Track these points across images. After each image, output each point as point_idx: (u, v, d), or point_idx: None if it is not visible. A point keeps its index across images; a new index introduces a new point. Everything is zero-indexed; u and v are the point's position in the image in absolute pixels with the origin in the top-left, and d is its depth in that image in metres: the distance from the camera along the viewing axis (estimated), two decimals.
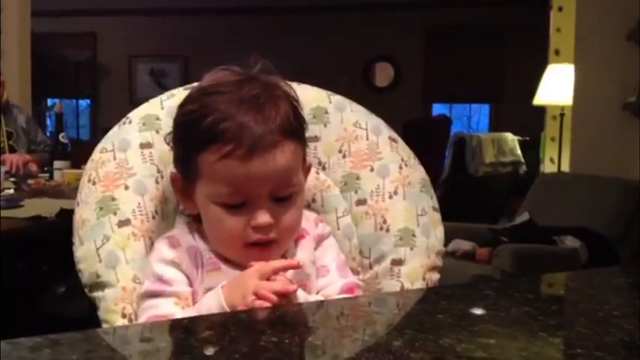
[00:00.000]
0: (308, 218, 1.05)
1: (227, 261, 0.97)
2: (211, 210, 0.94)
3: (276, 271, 0.89)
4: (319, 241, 1.04)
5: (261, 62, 0.97)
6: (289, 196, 0.95)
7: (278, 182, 0.93)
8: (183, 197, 1.00)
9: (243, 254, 0.95)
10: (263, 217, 0.92)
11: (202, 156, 0.92)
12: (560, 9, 4.63)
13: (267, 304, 0.84)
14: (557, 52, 4.64)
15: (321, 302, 0.93)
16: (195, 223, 1.01)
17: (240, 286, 0.88)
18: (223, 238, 0.95)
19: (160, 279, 0.94)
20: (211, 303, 0.89)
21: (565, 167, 4.29)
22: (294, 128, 0.95)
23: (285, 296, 0.86)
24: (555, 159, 4.44)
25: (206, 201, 0.95)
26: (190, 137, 0.94)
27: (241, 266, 0.95)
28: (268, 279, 0.88)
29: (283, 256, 0.99)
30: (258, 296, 0.85)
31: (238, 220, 0.93)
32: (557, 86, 4.25)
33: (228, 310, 0.86)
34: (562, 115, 4.31)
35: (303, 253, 1.01)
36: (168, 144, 1.03)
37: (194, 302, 0.93)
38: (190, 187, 0.97)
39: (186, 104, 0.96)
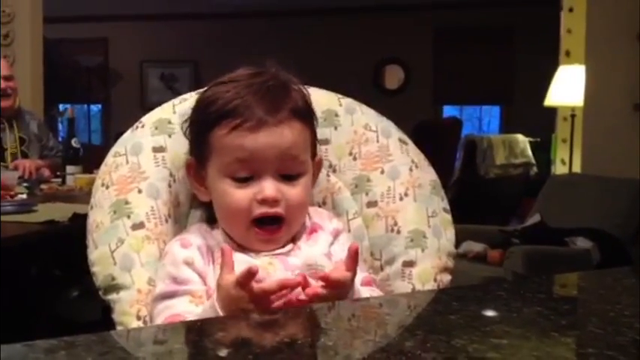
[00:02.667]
0: (321, 214, 1.07)
1: (238, 252, 0.98)
2: (220, 186, 0.98)
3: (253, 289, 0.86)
4: (335, 235, 1.05)
5: (277, 66, 1.02)
6: (296, 175, 0.98)
7: (285, 156, 0.97)
8: (197, 183, 1.04)
9: (249, 234, 0.97)
10: (270, 189, 0.96)
11: (214, 132, 0.97)
12: (570, 10, 4.61)
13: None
14: (567, 54, 4.63)
15: (333, 303, 0.94)
16: (206, 224, 1.04)
17: (233, 301, 0.87)
18: (230, 213, 0.98)
19: (174, 280, 0.95)
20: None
21: (576, 168, 4.27)
22: (303, 112, 1.00)
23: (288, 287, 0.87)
24: (566, 160, 4.42)
25: (216, 177, 0.99)
26: (204, 117, 0.99)
27: (250, 252, 0.97)
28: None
29: (294, 244, 1.00)
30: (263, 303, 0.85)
31: (245, 194, 0.97)
32: (568, 87, 4.23)
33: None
34: (573, 116, 4.29)
35: (316, 246, 1.02)
36: (184, 133, 1.07)
37: (209, 299, 0.94)
38: (203, 170, 1.01)
39: (202, 93, 1.03)
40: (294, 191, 0.98)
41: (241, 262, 0.95)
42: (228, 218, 1.00)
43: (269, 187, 0.96)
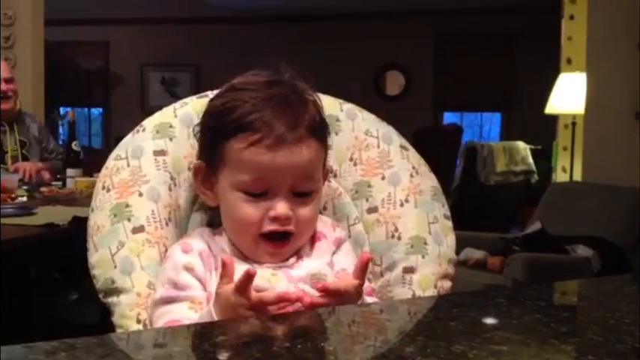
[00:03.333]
0: (325, 222, 1.07)
1: (240, 260, 0.98)
2: (232, 198, 0.97)
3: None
4: (338, 244, 1.05)
5: (290, 71, 1.02)
6: (309, 193, 0.98)
7: (301, 175, 0.96)
8: (204, 188, 1.03)
9: (257, 247, 0.97)
10: (283, 208, 0.95)
11: (230, 143, 0.96)
12: (571, 17, 4.62)
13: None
14: (568, 61, 4.63)
15: (333, 309, 0.94)
16: (209, 229, 1.03)
17: (232, 307, 0.87)
18: (239, 225, 0.98)
19: (175, 285, 0.95)
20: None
21: (577, 176, 4.27)
22: (320, 129, 1.00)
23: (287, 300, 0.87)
24: (567, 168, 4.42)
25: (228, 189, 0.98)
26: (220, 125, 0.98)
27: (254, 263, 0.97)
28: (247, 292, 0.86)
29: (298, 257, 1.00)
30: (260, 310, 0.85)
31: (257, 209, 0.96)
32: (569, 95, 4.24)
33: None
34: (574, 123, 4.30)
35: (319, 255, 1.02)
36: (195, 135, 1.06)
37: (208, 305, 0.94)
38: (213, 177, 1.00)
39: (217, 98, 1.02)
40: (306, 209, 0.98)
41: (243, 271, 0.95)
42: (237, 230, 0.99)
43: (282, 206, 0.95)
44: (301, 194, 0.98)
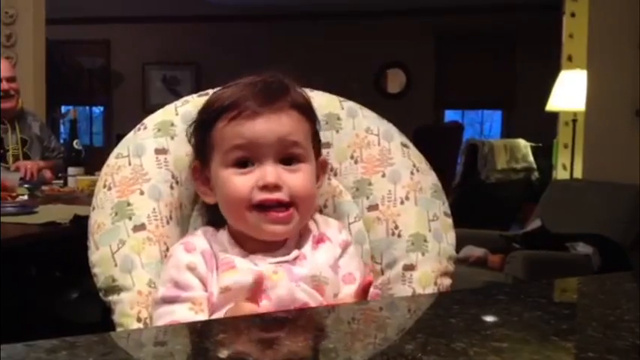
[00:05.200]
0: (330, 224, 1.07)
1: (241, 257, 0.98)
2: (222, 176, 0.99)
3: None
4: (344, 248, 1.05)
5: (281, 73, 1.04)
6: (295, 158, 0.99)
7: (283, 142, 0.98)
8: (202, 186, 1.04)
9: (256, 224, 0.97)
10: (270, 176, 0.97)
11: (215, 127, 0.99)
12: (572, 15, 4.62)
13: None
14: (569, 58, 4.63)
15: (332, 307, 0.94)
16: (211, 228, 1.03)
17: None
18: (232, 200, 0.99)
19: (176, 284, 0.96)
20: None
21: (578, 174, 4.27)
22: (302, 106, 1.02)
23: None
24: (568, 165, 4.42)
25: (218, 169, 1.00)
26: (205, 117, 1.02)
27: (256, 257, 0.98)
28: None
29: (301, 253, 1.00)
30: None
31: (246, 180, 0.98)
32: (569, 92, 4.23)
33: None
34: (575, 121, 4.30)
35: (321, 256, 1.02)
36: (189, 139, 1.08)
37: (209, 304, 0.95)
38: (207, 170, 1.02)
39: (206, 99, 1.06)
40: (295, 177, 0.99)
41: (246, 269, 0.95)
42: (232, 208, 1.00)
43: (269, 173, 0.97)
44: (288, 161, 0.99)
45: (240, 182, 0.98)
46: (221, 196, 1.01)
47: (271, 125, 0.97)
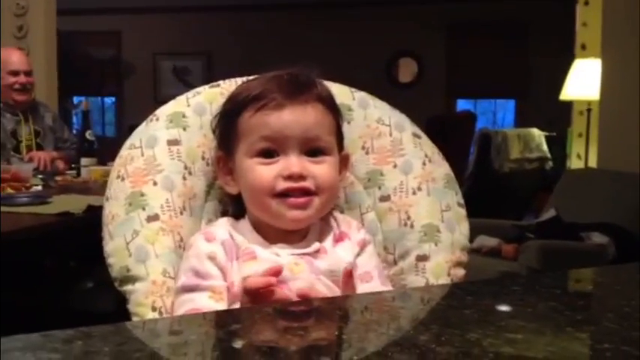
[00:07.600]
0: (349, 223, 1.07)
1: (262, 248, 0.99)
2: (247, 165, 1.00)
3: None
4: (362, 246, 1.05)
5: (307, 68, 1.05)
6: (320, 151, 1.00)
7: (308, 133, 0.99)
8: (226, 176, 1.05)
9: (278, 212, 0.98)
10: (295, 166, 0.97)
11: (241, 116, 1.00)
12: (586, 3, 4.58)
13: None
14: (583, 47, 4.60)
15: (346, 297, 0.94)
16: (232, 218, 1.04)
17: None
18: (255, 189, 0.99)
19: (197, 273, 0.96)
20: None
21: (592, 163, 4.24)
22: (327, 100, 1.03)
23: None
24: (582, 154, 4.39)
25: (243, 159, 1.00)
26: (231, 107, 1.03)
27: (278, 248, 0.98)
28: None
29: (322, 246, 1.00)
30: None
31: (270, 170, 0.98)
32: (583, 81, 4.20)
33: None
34: (589, 110, 4.27)
35: (341, 253, 1.02)
36: (213, 132, 1.09)
37: (229, 294, 0.95)
38: (231, 161, 1.03)
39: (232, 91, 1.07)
40: (319, 168, 0.99)
41: (266, 260, 0.96)
42: (254, 195, 1.00)
43: (294, 163, 0.97)
44: (313, 152, 0.99)
45: (265, 171, 0.98)
46: (244, 184, 1.02)
47: (297, 117, 0.98)
